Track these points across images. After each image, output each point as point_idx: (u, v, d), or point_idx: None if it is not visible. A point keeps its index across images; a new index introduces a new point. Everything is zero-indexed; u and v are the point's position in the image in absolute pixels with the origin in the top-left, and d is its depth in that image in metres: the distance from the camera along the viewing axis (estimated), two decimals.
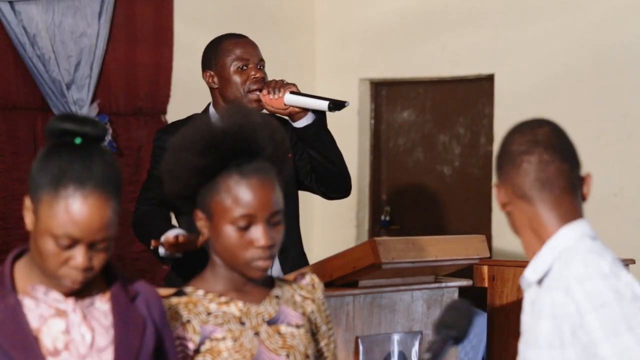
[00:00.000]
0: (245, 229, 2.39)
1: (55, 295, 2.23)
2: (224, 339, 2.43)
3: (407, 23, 7.11)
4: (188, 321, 2.44)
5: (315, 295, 2.58)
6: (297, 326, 2.50)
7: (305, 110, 3.87)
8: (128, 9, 6.30)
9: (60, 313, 2.23)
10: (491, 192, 6.85)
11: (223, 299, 2.46)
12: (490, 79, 6.89)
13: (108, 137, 6.12)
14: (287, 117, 3.91)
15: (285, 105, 3.84)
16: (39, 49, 5.86)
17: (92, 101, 6.10)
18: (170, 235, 3.60)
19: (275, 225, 2.42)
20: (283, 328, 2.48)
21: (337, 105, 3.83)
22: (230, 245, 2.40)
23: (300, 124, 3.88)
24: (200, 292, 2.47)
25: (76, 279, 2.19)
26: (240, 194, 2.38)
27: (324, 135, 3.92)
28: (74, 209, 2.15)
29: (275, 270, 3.97)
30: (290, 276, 2.74)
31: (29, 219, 2.20)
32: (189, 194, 2.44)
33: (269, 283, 2.54)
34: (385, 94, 7.42)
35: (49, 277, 2.20)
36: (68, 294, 2.23)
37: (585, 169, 2.77)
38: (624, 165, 6.36)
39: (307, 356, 2.49)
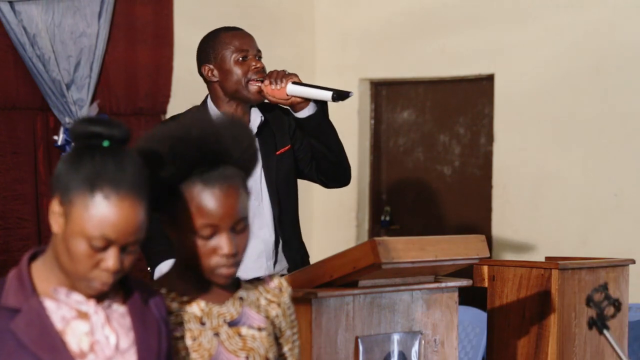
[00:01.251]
0: (209, 237, 2.37)
1: (77, 297, 2.23)
2: (182, 337, 2.42)
3: (407, 23, 7.11)
4: None
5: (281, 300, 2.56)
6: (259, 329, 2.49)
7: (307, 101, 3.87)
8: (128, 9, 6.30)
9: (82, 315, 2.23)
10: (491, 192, 6.85)
11: (185, 298, 2.46)
12: (490, 79, 6.89)
13: None
14: (288, 107, 3.91)
15: (287, 95, 3.83)
16: (39, 49, 5.86)
17: (92, 101, 6.10)
18: (162, 273, 3.59)
19: (241, 232, 2.40)
20: (244, 330, 2.47)
21: (340, 95, 3.82)
22: (194, 253, 2.39)
23: (302, 114, 3.88)
24: (163, 291, 2.46)
25: (107, 281, 2.19)
26: (203, 203, 2.34)
27: (325, 125, 3.92)
28: (111, 211, 2.15)
29: (280, 263, 3.98)
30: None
31: (55, 222, 2.19)
32: (155, 200, 2.38)
33: (234, 284, 2.53)
34: (385, 94, 7.42)
35: (78, 280, 2.20)
36: (92, 295, 2.24)
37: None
38: (624, 165, 6.36)
39: (267, 359, 2.48)
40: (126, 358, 2.24)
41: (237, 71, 3.88)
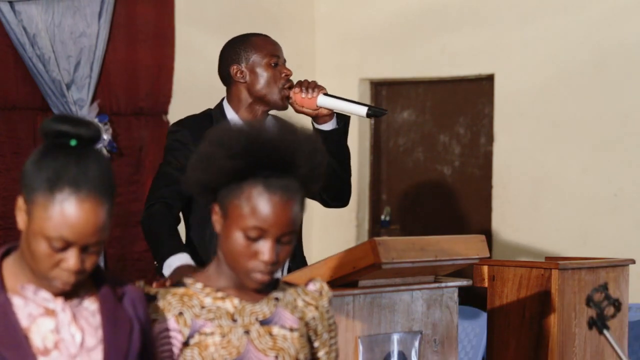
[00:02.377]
0: (254, 239, 2.39)
1: (45, 295, 2.23)
2: (212, 333, 2.44)
3: (407, 23, 7.11)
4: (180, 313, 2.45)
5: (319, 303, 2.58)
6: (291, 329, 2.50)
7: (332, 114, 3.87)
8: (128, 9, 6.29)
9: (49, 312, 2.24)
10: (491, 192, 6.85)
11: (220, 294, 2.47)
12: (490, 79, 6.89)
13: (107, 137, 6.12)
14: (311, 118, 3.91)
15: (316, 106, 3.84)
16: (39, 49, 5.86)
17: (92, 101, 6.10)
18: (171, 268, 3.58)
19: (285, 244, 2.42)
20: (275, 329, 2.48)
21: (376, 112, 3.83)
22: (236, 250, 2.41)
23: (325, 127, 3.89)
24: (199, 285, 2.48)
25: (68, 280, 2.19)
26: (259, 206, 2.37)
27: (344, 142, 3.94)
28: (70, 213, 2.15)
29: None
30: (301, 280, 2.72)
31: (21, 219, 2.21)
32: (212, 188, 2.43)
33: (272, 285, 2.54)
34: (385, 94, 7.42)
35: (40, 278, 2.20)
36: (57, 294, 2.24)
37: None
38: (624, 165, 6.36)
39: None
40: (92, 356, 2.24)
41: (269, 75, 3.88)
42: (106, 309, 2.28)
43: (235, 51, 3.92)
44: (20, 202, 2.20)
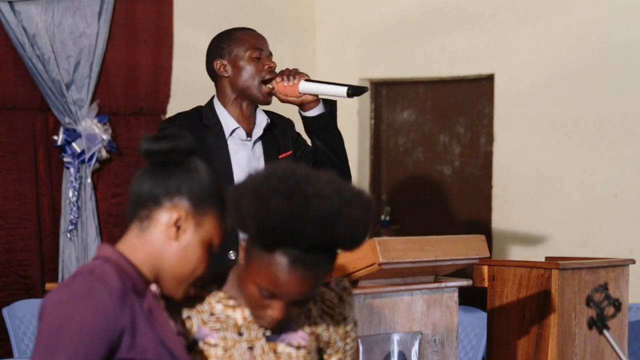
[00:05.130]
0: (266, 297, 2.32)
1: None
2: (215, 345, 2.41)
3: (407, 23, 7.11)
4: (188, 317, 2.42)
5: (336, 311, 2.50)
6: (298, 347, 2.45)
7: (317, 100, 3.85)
8: (128, 9, 6.30)
9: None
10: (491, 192, 6.85)
11: (232, 302, 2.43)
12: (490, 79, 6.89)
13: (106, 137, 6.12)
14: (298, 107, 3.89)
15: (299, 93, 3.82)
16: (39, 49, 5.86)
17: (92, 101, 6.09)
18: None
19: (298, 305, 2.35)
20: (281, 347, 2.44)
21: (356, 90, 3.80)
22: (248, 296, 2.35)
23: (311, 113, 3.86)
24: (213, 288, 2.44)
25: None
26: (277, 276, 2.26)
27: (333, 127, 3.90)
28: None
29: None
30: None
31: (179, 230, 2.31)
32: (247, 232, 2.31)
33: None
34: (385, 94, 7.42)
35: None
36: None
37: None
38: (624, 165, 6.36)
39: None
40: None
41: (251, 68, 3.86)
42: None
43: (218, 46, 3.92)
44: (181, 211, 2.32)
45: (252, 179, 2.27)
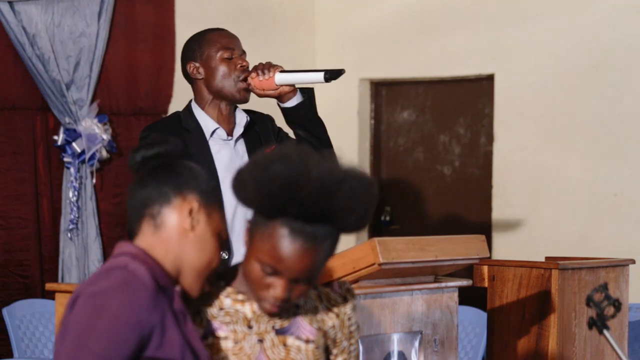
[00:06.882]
0: (268, 274, 2.34)
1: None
2: (225, 338, 2.42)
3: (407, 23, 7.11)
4: (197, 312, 2.43)
5: (341, 310, 2.52)
6: (307, 341, 2.45)
7: (294, 90, 3.85)
8: (128, 9, 6.30)
9: None
10: (491, 192, 6.85)
11: (240, 297, 2.44)
12: (490, 79, 6.89)
13: (107, 137, 6.12)
14: (276, 100, 3.89)
15: (276, 85, 3.82)
16: (39, 49, 5.86)
17: (92, 101, 6.10)
18: None
19: (301, 284, 2.35)
20: (290, 340, 2.44)
21: (333, 74, 3.80)
22: (251, 277, 2.36)
23: (290, 103, 3.86)
24: (222, 283, 2.45)
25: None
26: (278, 247, 2.29)
27: (313, 114, 3.90)
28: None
29: None
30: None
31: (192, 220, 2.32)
32: (251, 207, 2.35)
33: None
34: (385, 94, 7.42)
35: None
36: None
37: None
38: (624, 165, 6.36)
39: None
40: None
41: (224, 69, 3.86)
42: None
43: (190, 49, 3.93)
44: (195, 203, 2.35)
45: (255, 157, 2.33)
